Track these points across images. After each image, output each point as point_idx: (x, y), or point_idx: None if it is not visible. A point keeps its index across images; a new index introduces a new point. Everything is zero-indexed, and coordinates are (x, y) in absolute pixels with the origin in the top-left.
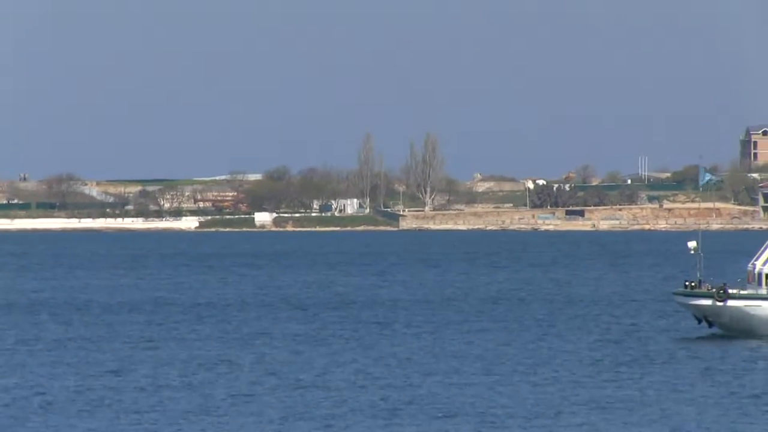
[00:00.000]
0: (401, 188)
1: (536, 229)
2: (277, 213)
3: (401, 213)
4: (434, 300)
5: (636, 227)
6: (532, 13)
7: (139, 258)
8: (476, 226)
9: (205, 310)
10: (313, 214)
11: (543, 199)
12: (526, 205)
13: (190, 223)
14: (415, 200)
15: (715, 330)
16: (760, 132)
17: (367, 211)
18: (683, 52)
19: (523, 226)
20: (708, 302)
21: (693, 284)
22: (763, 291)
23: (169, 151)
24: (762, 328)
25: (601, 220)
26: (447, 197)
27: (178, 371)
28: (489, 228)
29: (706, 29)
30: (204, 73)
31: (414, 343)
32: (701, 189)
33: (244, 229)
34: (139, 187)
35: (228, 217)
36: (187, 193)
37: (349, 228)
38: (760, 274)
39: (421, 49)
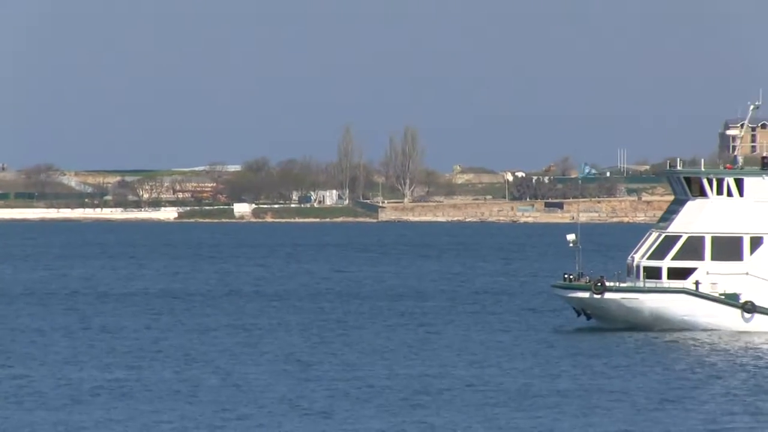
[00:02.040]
0: (381, 180)
1: (515, 222)
2: (256, 204)
3: (380, 205)
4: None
5: (615, 220)
6: (512, 6)
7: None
8: (455, 218)
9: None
10: (293, 206)
11: (522, 191)
12: (505, 197)
13: (169, 213)
14: (394, 192)
15: (593, 322)
16: (739, 125)
17: (347, 202)
18: (662, 46)
19: (502, 218)
20: (585, 295)
21: (571, 277)
22: (640, 283)
23: (148, 141)
24: (639, 320)
25: (580, 212)
26: (426, 189)
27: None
28: (468, 220)
29: (685, 23)
30: (183, 64)
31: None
32: (580, 181)
33: (223, 220)
34: (118, 178)
35: (207, 207)
36: (166, 184)
37: (328, 219)
38: (638, 266)
39: (401, 42)
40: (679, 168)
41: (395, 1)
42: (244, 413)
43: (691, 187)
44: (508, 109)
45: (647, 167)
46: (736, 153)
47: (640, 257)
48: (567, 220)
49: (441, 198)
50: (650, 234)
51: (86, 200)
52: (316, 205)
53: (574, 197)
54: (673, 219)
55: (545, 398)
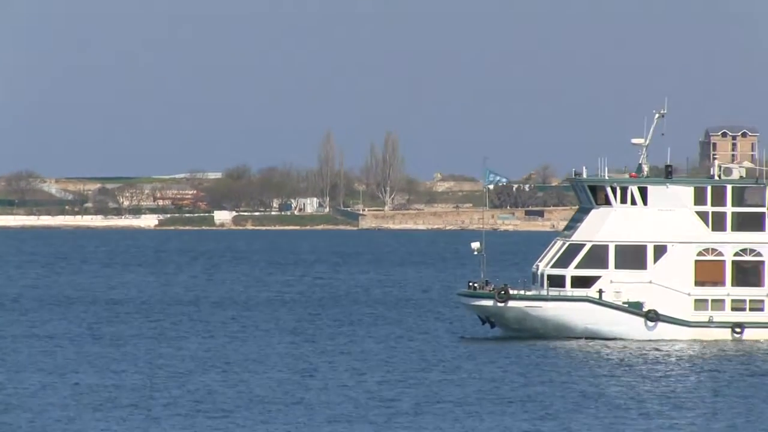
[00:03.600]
0: (361, 188)
1: (496, 230)
2: (236, 211)
3: (361, 212)
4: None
5: None
6: (493, 13)
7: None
8: (436, 226)
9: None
10: (273, 213)
11: (503, 199)
12: (485, 205)
13: (149, 221)
14: (375, 200)
15: (497, 330)
16: (720, 133)
17: (327, 210)
18: (641, 53)
19: (482, 226)
20: (489, 303)
21: (476, 285)
22: (544, 292)
23: (128, 148)
24: (542, 328)
25: (560, 220)
26: (407, 197)
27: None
28: (448, 228)
29: (666, 29)
30: (164, 72)
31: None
32: (485, 189)
33: (204, 228)
34: (99, 185)
35: (187, 215)
36: (146, 191)
37: (308, 227)
38: (542, 275)
39: (382, 49)
40: (584, 176)
41: (377, 7)
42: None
43: (595, 196)
44: (489, 116)
45: (626, 175)
46: (640, 161)
47: (544, 265)
48: (548, 228)
49: (421, 206)
50: (555, 242)
51: (66, 207)
52: (296, 212)
53: (554, 205)
54: (577, 227)
55: (430, 406)
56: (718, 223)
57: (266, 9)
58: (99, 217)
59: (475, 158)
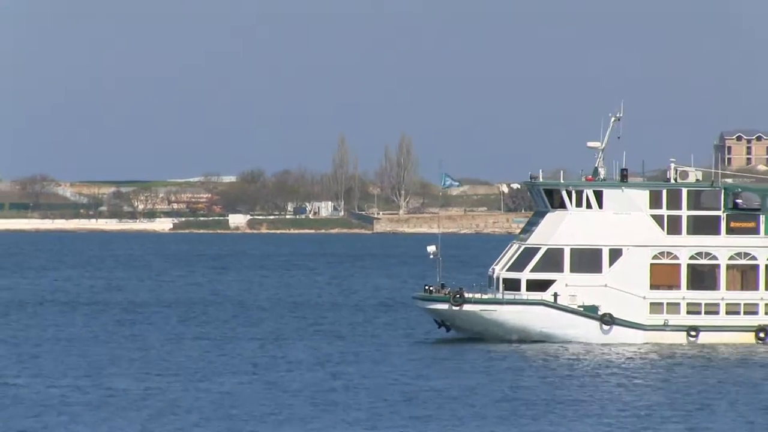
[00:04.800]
0: (376, 191)
1: (510, 233)
2: (251, 215)
3: (375, 216)
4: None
5: None
6: (512, 14)
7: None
8: (450, 230)
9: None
10: (288, 217)
11: (517, 202)
12: (500, 209)
13: (164, 224)
14: (389, 203)
15: (453, 333)
16: (734, 137)
17: (342, 213)
18: (657, 55)
19: (497, 229)
20: (444, 306)
21: (431, 288)
22: (499, 295)
23: (143, 152)
24: (497, 331)
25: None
26: (421, 200)
27: None
28: (463, 232)
29: (680, 33)
30: (179, 75)
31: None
32: (440, 192)
33: (218, 231)
34: (113, 188)
35: (202, 218)
36: (161, 195)
37: (323, 231)
38: (497, 278)
39: (397, 52)
40: (540, 180)
41: (393, 11)
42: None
43: (551, 199)
44: (504, 119)
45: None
46: (597, 165)
47: (500, 269)
48: None
49: (436, 209)
50: (511, 246)
51: (81, 211)
52: (311, 216)
53: None
54: (533, 231)
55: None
56: (673, 226)
57: (280, 12)
58: (114, 220)
59: (489, 162)
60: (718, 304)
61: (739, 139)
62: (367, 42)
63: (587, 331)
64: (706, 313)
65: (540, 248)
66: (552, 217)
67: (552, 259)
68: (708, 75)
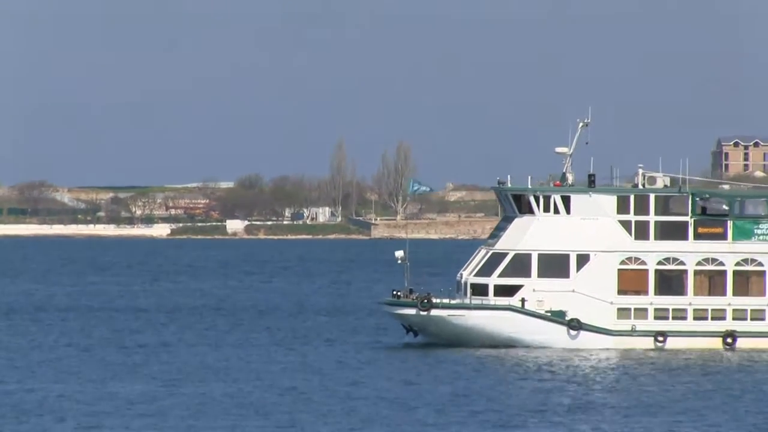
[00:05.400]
0: (373, 197)
1: None
2: (249, 221)
3: (373, 222)
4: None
5: None
6: (509, 20)
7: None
8: (448, 236)
9: None
10: (285, 222)
11: None
12: (497, 215)
13: (161, 230)
14: (387, 209)
15: (421, 339)
16: (732, 143)
17: (339, 219)
18: (655, 61)
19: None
20: (412, 311)
21: (399, 294)
22: (467, 300)
23: (141, 157)
24: (465, 336)
25: None
26: (419, 206)
27: None
28: (460, 237)
29: (678, 37)
30: (177, 80)
31: None
32: (409, 198)
33: (216, 237)
34: (111, 194)
35: (200, 224)
36: (159, 200)
37: (320, 236)
38: (465, 283)
39: (395, 57)
40: (508, 185)
41: (390, 16)
42: None
43: (519, 205)
44: (502, 125)
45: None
46: (565, 170)
47: (468, 274)
48: None
49: (433, 215)
50: (479, 251)
51: (79, 216)
52: (308, 221)
53: None
54: (500, 236)
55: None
56: (641, 232)
57: (278, 18)
58: (111, 226)
59: (487, 168)
60: (685, 310)
61: (736, 145)
62: (366, 47)
63: (554, 336)
64: (674, 318)
65: (508, 253)
66: (520, 223)
67: (519, 265)
68: (704, 79)
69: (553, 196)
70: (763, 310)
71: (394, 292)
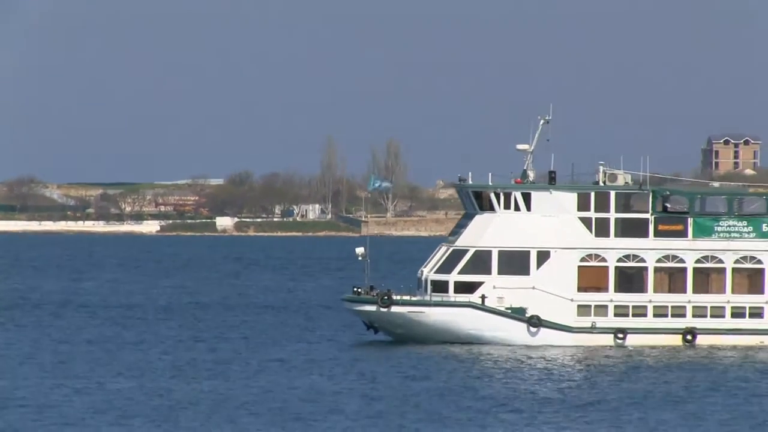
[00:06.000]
0: (363, 194)
1: None
2: (238, 218)
3: (363, 219)
4: None
5: None
6: (495, 19)
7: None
8: (438, 233)
9: None
10: (275, 219)
11: None
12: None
13: (151, 227)
14: (377, 206)
15: (381, 335)
16: (722, 141)
17: (329, 216)
18: (645, 59)
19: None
20: (372, 308)
21: (360, 290)
22: (428, 297)
23: (131, 154)
24: (425, 333)
25: None
26: (409, 204)
27: None
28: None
29: (668, 37)
30: (166, 77)
31: None
32: (369, 194)
33: (206, 234)
34: (101, 191)
35: (189, 221)
36: (148, 197)
37: (310, 233)
38: (426, 280)
39: (385, 54)
40: (468, 182)
41: (380, 14)
42: None
43: (480, 202)
44: (491, 122)
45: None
46: (525, 167)
47: (428, 271)
48: None
49: (424, 212)
50: (440, 248)
51: (68, 213)
52: (298, 219)
53: None
54: (461, 233)
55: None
56: (601, 229)
57: (268, 14)
58: (101, 222)
59: (477, 165)
60: (645, 307)
61: (726, 143)
62: (357, 44)
63: (515, 333)
64: (634, 315)
65: (468, 250)
66: (480, 220)
67: (480, 261)
68: (695, 77)
69: (513, 193)
70: (723, 307)
71: (355, 289)
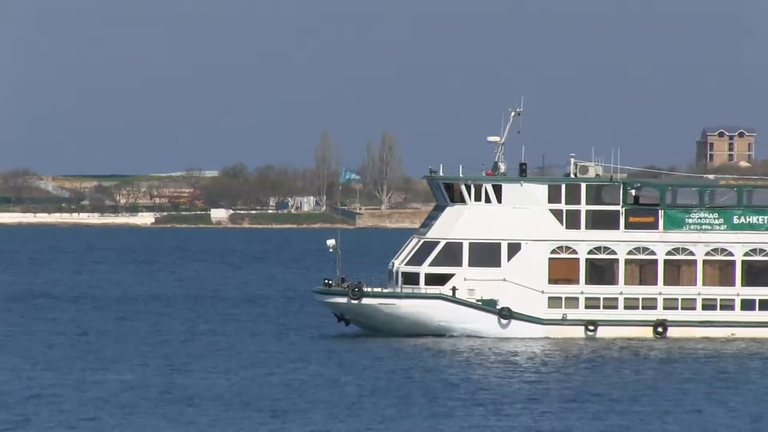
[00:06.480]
0: (358, 186)
1: None
2: (233, 210)
3: (358, 211)
4: None
5: None
6: (494, 13)
7: None
8: None
9: None
10: (270, 212)
11: None
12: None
13: (145, 218)
14: (371, 198)
15: (353, 327)
16: (716, 133)
17: (324, 209)
18: (640, 51)
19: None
20: (344, 300)
21: (331, 282)
22: (399, 289)
23: (125, 146)
24: (396, 325)
25: None
26: (404, 196)
27: None
28: None
29: (664, 29)
30: (161, 70)
31: None
32: (341, 186)
33: (200, 226)
34: (95, 183)
35: (184, 213)
36: (143, 189)
37: (305, 225)
38: (397, 272)
39: (379, 47)
40: (439, 174)
41: (374, 7)
42: None
43: (451, 193)
44: (485, 114)
45: (625, 175)
46: (497, 159)
47: (399, 263)
48: None
49: (418, 205)
50: (411, 239)
51: (63, 205)
52: (293, 211)
53: None
54: (432, 225)
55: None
56: (572, 221)
57: (264, 8)
58: (96, 214)
59: (472, 157)
60: (616, 299)
61: (721, 135)
62: (351, 37)
63: (485, 325)
64: (605, 307)
65: (439, 242)
66: (451, 212)
67: (451, 253)
68: (689, 69)
69: (484, 185)
70: (694, 300)
71: (326, 281)
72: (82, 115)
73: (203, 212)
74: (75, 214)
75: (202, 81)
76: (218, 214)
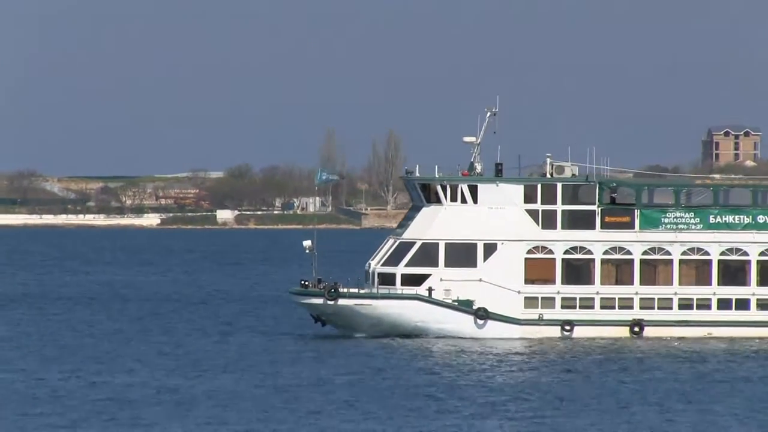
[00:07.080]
0: (363, 187)
1: None
2: (239, 210)
3: (363, 211)
4: None
5: None
6: (494, 11)
7: None
8: None
9: None
10: (275, 212)
11: None
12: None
13: (151, 220)
14: (377, 199)
15: (329, 328)
16: (722, 133)
17: (329, 209)
18: (646, 51)
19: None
20: (320, 301)
21: (308, 283)
22: (375, 290)
23: (131, 147)
24: (372, 326)
25: None
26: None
27: None
28: None
29: (669, 28)
30: (166, 70)
31: None
32: (316, 187)
33: (206, 227)
34: (101, 184)
35: (190, 214)
36: (148, 190)
37: (311, 226)
38: (373, 273)
39: (385, 47)
40: (415, 174)
41: (380, 7)
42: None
43: (426, 194)
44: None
45: (630, 174)
46: (473, 160)
47: (375, 264)
48: None
49: None
50: (388, 240)
51: (69, 206)
52: (298, 211)
53: None
54: (408, 225)
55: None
56: (548, 221)
57: (268, 8)
58: (101, 216)
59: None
60: (593, 299)
61: (726, 134)
62: (357, 37)
63: (462, 325)
64: (581, 307)
65: (415, 243)
66: (427, 212)
67: (427, 254)
68: (695, 69)
69: (460, 186)
70: (671, 299)
71: (303, 282)
72: (88, 117)
73: (209, 213)
74: (81, 216)
75: (207, 82)
76: (224, 215)
